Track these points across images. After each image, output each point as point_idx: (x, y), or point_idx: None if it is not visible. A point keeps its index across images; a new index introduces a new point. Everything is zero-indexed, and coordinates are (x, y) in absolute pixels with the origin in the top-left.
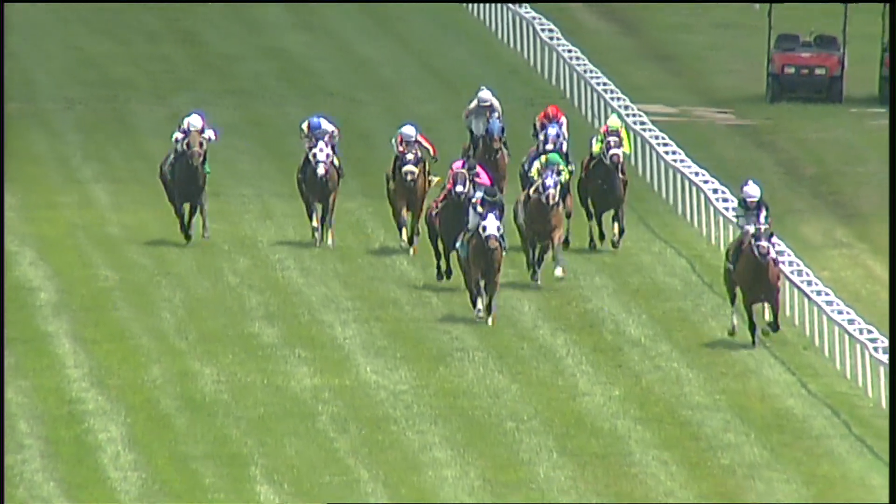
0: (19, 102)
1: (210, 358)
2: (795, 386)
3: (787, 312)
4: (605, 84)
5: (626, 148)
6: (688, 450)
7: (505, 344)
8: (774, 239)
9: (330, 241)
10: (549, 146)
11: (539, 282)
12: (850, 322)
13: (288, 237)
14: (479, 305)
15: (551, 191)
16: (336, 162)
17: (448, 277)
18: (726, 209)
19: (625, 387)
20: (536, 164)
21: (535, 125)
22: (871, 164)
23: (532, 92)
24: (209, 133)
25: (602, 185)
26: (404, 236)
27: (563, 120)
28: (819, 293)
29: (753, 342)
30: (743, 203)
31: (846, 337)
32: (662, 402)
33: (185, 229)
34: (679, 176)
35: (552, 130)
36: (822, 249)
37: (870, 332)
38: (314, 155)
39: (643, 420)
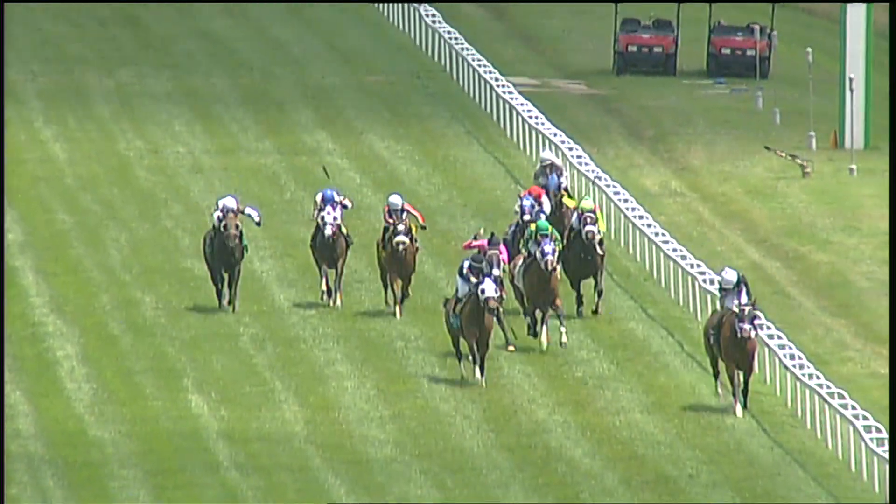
0: None
1: (150, 288)
2: (637, 311)
3: (630, 250)
4: (478, 60)
5: (601, 226)
6: (547, 364)
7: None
8: (758, 313)
9: (339, 303)
10: (527, 216)
11: (544, 345)
12: (683, 258)
13: (215, 189)
14: (476, 373)
15: (550, 257)
16: (343, 230)
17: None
18: (654, 234)
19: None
20: (526, 234)
21: (519, 198)
22: (700, 127)
23: (417, 66)
24: (250, 212)
25: (580, 257)
26: (390, 300)
27: (544, 198)
28: (657, 234)
29: (745, 405)
30: (721, 288)
31: (679, 270)
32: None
33: (220, 297)
34: (540, 136)
35: (526, 202)
36: (659, 198)
37: (699, 266)
38: (322, 218)
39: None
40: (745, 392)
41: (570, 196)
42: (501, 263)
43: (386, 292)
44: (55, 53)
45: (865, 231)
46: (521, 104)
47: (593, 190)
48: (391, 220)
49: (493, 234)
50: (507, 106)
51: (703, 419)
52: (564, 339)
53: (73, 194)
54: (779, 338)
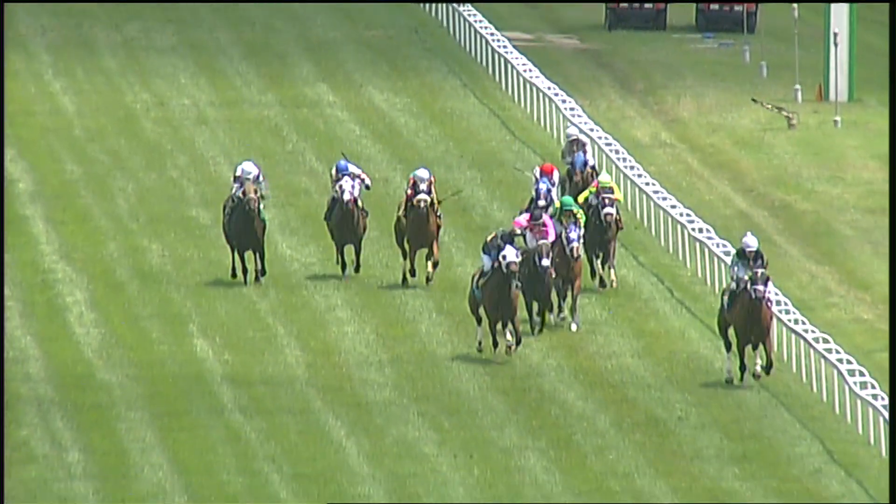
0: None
1: (156, 236)
2: (628, 258)
3: (623, 200)
4: (474, 15)
5: (618, 196)
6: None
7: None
8: (770, 286)
9: (352, 269)
10: (542, 202)
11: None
12: (673, 207)
13: (219, 140)
14: (508, 338)
15: (575, 244)
16: (360, 203)
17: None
18: (572, 115)
19: None
20: (551, 211)
21: (535, 176)
22: (689, 80)
23: (415, 21)
24: (263, 183)
25: (597, 234)
26: (406, 269)
27: (556, 175)
28: (648, 184)
29: (742, 379)
30: (742, 252)
31: (669, 218)
32: None
33: (244, 272)
34: (535, 90)
35: (542, 186)
36: (649, 149)
37: (688, 215)
38: (340, 186)
39: None
40: (768, 370)
41: (596, 173)
42: (550, 251)
43: (405, 263)
44: (64, 8)
45: (849, 181)
46: (516, 58)
47: (593, 149)
48: (414, 191)
49: (535, 208)
50: (502, 60)
51: (692, 363)
52: (574, 328)
53: (82, 145)
54: None
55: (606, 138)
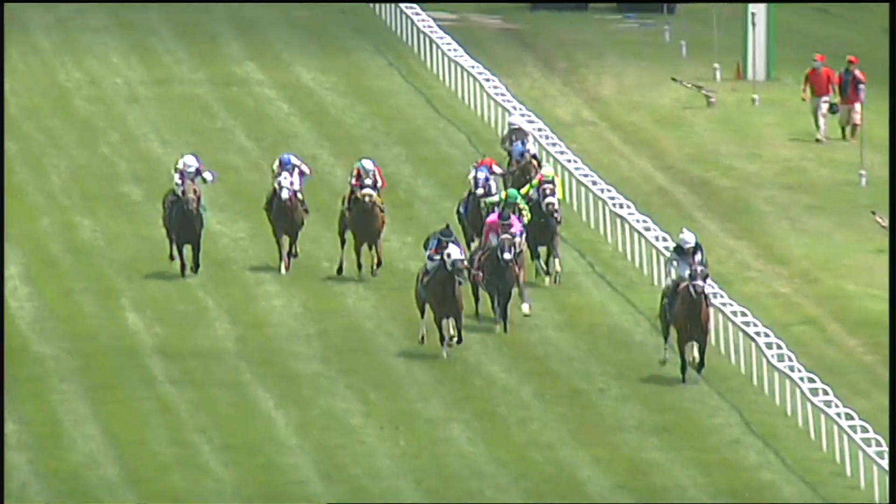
0: None
1: (89, 212)
2: None
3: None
4: None
5: (560, 195)
6: (465, 287)
7: (324, 203)
8: (709, 281)
9: (290, 267)
10: (480, 190)
11: (506, 331)
12: (594, 184)
13: (151, 118)
14: (451, 332)
15: (517, 239)
16: (301, 196)
17: (505, 331)
18: (496, 94)
19: (415, 234)
20: (497, 199)
21: (473, 167)
22: (610, 59)
23: (344, 5)
24: (207, 175)
25: (538, 225)
26: (345, 262)
27: (496, 168)
28: (570, 161)
29: (684, 380)
30: (680, 249)
31: (591, 195)
32: None
33: (181, 266)
34: (459, 68)
35: (481, 174)
36: (571, 127)
37: (609, 191)
38: (279, 182)
39: None
40: (700, 364)
41: (539, 164)
42: (513, 245)
43: (342, 251)
44: None
45: (767, 158)
46: (441, 38)
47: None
48: (356, 183)
49: (503, 209)
50: (427, 39)
51: (614, 336)
52: (525, 309)
53: (17, 123)
54: None
55: (529, 116)
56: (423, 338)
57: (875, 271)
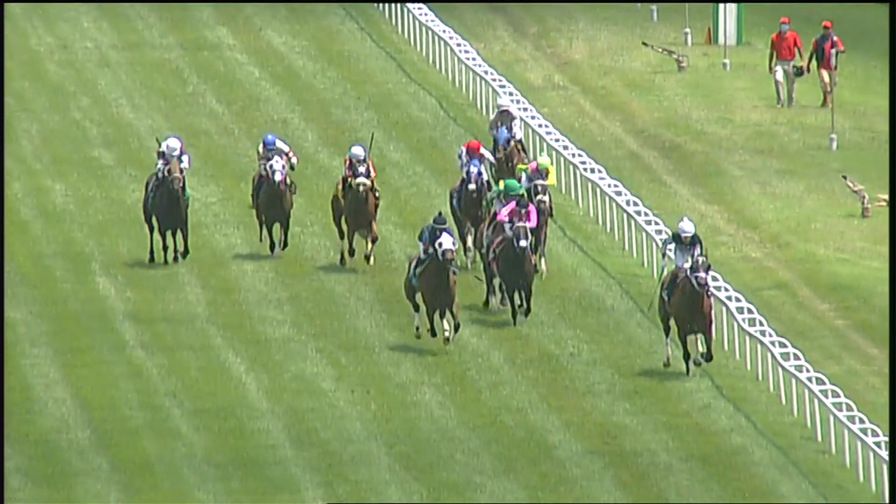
0: None
1: (60, 176)
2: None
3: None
4: None
5: (551, 181)
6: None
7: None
8: (712, 272)
9: (284, 251)
10: (472, 185)
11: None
12: (566, 148)
13: (122, 82)
14: (445, 326)
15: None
16: (289, 180)
17: (518, 322)
18: (467, 58)
19: (386, 198)
20: (492, 194)
21: (459, 156)
22: (581, 23)
23: None
24: (184, 157)
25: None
26: (345, 249)
27: (485, 153)
28: (541, 125)
29: (687, 372)
30: (677, 237)
31: (562, 159)
32: (417, 213)
33: (163, 249)
34: (430, 33)
35: (473, 169)
36: (542, 91)
37: (580, 156)
38: (270, 166)
39: (401, 225)
40: (708, 358)
41: (524, 150)
42: (528, 233)
43: (343, 242)
44: None
45: (738, 122)
46: (412, 2)
47: (481, 84)
48: (349, 174)
49: (521, 196)
50: (398, 4)
51: (584, 301)
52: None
53: None
54: (656, 224)
55: (500, 80)
56: (417, 329)
57: (846, 236)
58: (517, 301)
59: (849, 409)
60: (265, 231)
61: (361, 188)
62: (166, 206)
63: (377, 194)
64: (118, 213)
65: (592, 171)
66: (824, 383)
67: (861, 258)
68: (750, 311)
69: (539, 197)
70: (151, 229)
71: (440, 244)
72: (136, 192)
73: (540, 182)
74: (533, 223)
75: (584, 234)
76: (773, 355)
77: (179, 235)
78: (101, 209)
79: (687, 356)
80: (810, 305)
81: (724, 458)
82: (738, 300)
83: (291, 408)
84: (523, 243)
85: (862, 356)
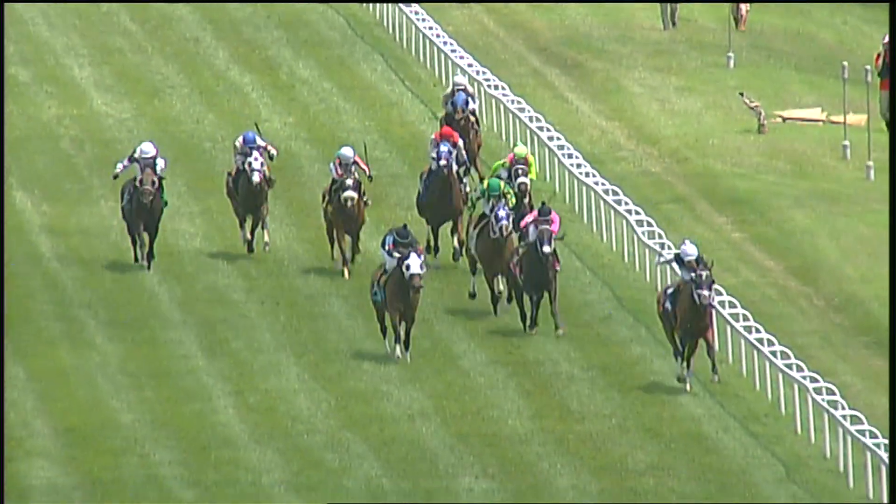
0: None
1: None
2: (427, 115)
3: (420, 58)
4: None
5: (532, 175)
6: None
7: (205, 83)
8: (715, 287)
9: (267, 239)
10: (443, 162)
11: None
12: (470, 66)
13: (64, 24)
14: (398, 350)
15: (504, 223)
16: (267, 173)
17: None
18: (443, 43)
19: (296, 115)
20: (478, 192)
21: (433, 140)
22: None
23: None
24: (160, 161)
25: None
26: (337, 255)
27: (459, 142)
28: (445, 43)
29: (684, 379)
30: (680, 260)
31: (466, 77)
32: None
33: (139, 246)
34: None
35: (444, 148)
36: (447, 10)
37: (484, 73)
38: (250, 164)
39: (310, 140)
40: (713, 368)
41: (477, 122)
42: (552, 237)
43: (332, 248)
44: None
45: (638, 41)
46: None
47: (387, 3)
48: (341, 174)
49: (543, 203)
50: None
51: None
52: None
53: None
54: (558, 139)
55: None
56: (390, 350)
57: (743, 151)
58: (536, 308)
59: (745, 319)
60: (247, 227)
61: (349, 203)
62: (138, 212)
63: (367, 202)
64: (34, 128)
65: (496, 88)
66: (722, 294)
67: (758, 173)
68: (649, 224)
69: (520, 179)
70: (132, 235)
71: (408, 266)
72: (52, 108)
73: (520, 166)
74: (556, 227)
75: (487, 150)
76: (671, 268)
77: (148, 238)
78: (17, 125)
79: (688, 360)
80: (708, 219)
81: (625, 367)
82: (637, 213)
83: (203, 318)
84: (547, 249)
85: (758, 268)
